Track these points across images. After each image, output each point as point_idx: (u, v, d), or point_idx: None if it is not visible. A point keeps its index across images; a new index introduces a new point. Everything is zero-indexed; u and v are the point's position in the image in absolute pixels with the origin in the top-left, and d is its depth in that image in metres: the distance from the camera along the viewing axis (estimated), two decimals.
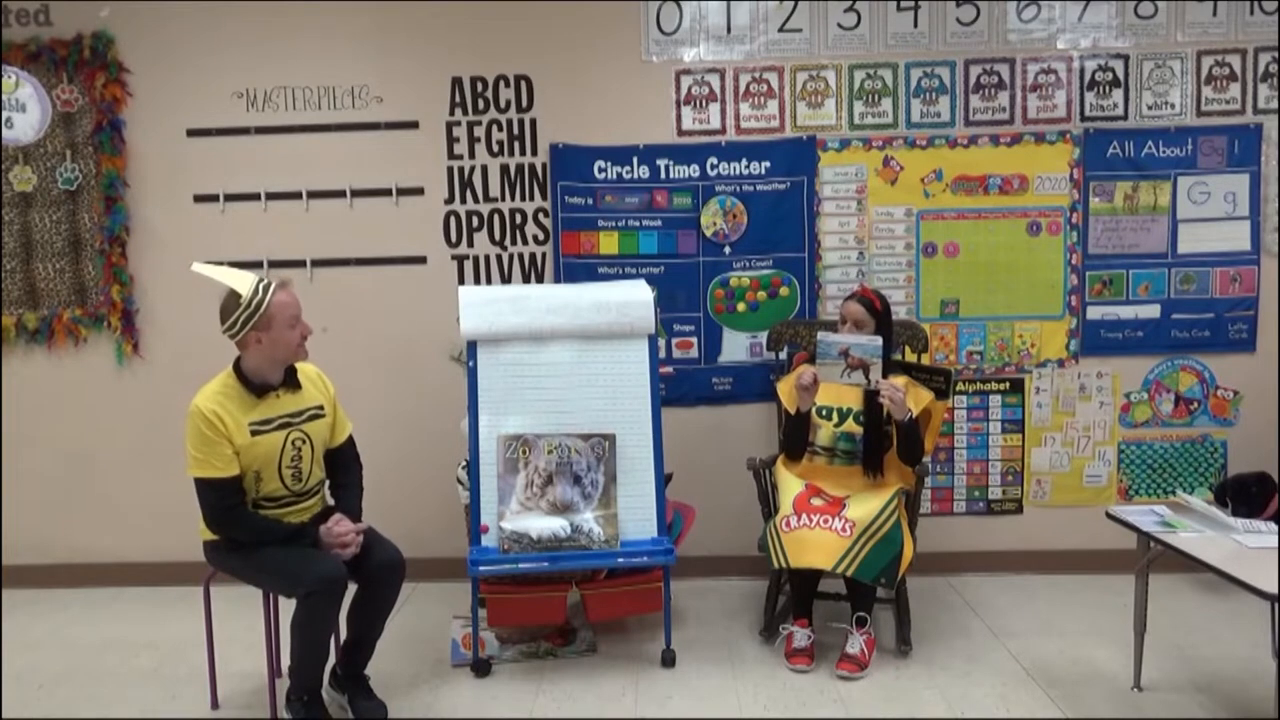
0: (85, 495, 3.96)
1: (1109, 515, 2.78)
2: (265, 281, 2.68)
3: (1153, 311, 3.77)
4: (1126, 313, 3.77)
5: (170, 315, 3.89)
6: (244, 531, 2.63)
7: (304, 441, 2.73)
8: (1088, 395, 3.82)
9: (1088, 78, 3.71)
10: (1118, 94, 3.71)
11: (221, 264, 3.81)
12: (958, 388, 3.81)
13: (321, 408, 2.81)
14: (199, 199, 3.84)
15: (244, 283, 2.66)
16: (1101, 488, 3.84)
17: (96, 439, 3.93)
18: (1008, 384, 3.82)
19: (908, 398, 3.04)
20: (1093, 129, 3.72)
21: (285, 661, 2.70)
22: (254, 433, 2.63)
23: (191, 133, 3.82)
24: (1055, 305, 3.78)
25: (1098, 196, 3.74)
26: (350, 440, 2.91)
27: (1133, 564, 2.76)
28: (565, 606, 3.15)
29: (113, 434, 3.93)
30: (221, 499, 2.59)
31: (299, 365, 2.79)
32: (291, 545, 2.62)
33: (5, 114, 3.26)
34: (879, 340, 3.02)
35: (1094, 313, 3.78)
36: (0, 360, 3.91)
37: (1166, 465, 3.83)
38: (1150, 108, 3.71)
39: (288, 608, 2.61)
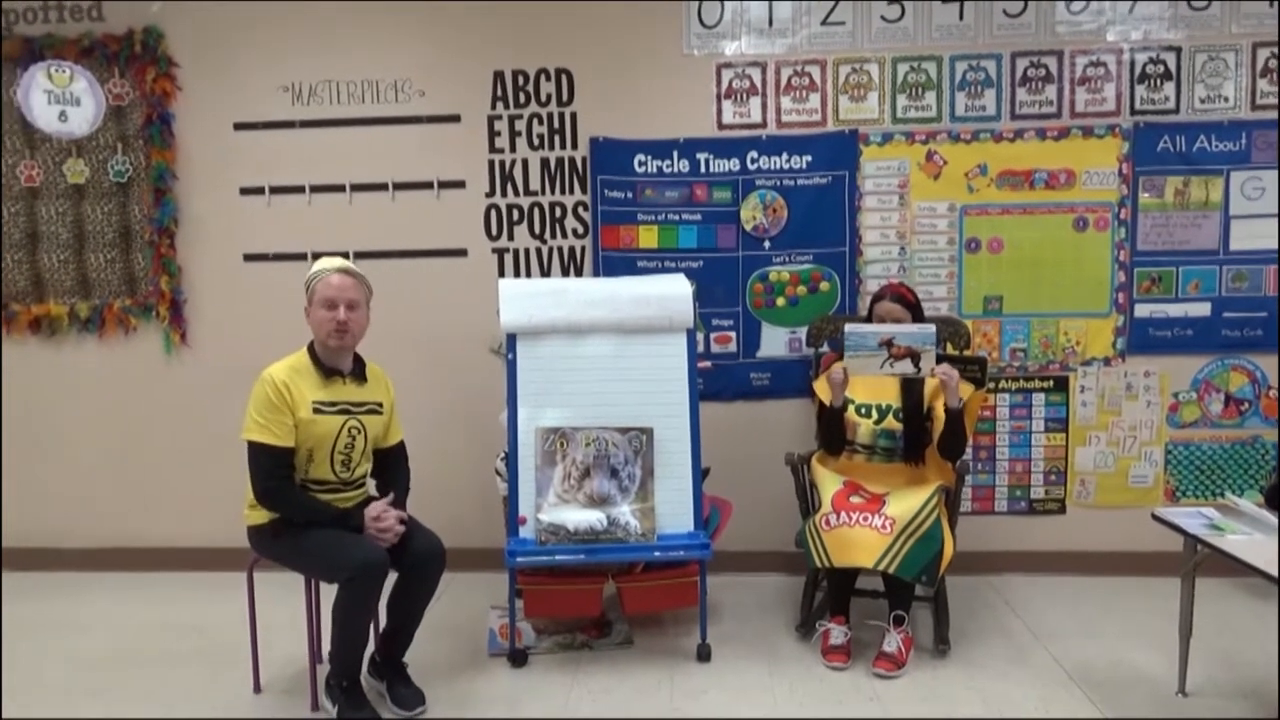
0: (133, 481, 4.05)
1: (1155, 517, 2.73)
2: (337, 264, 2.78)
3: (1203, 309, 3.69)
4: (1176, 310, 3.70)
5: (216, 306, 3.96)
6: (290, 506, 2.68)
7: (359, 432, 2.78)
8: (1134, 394, 3.75)
9: (1138, 70, 3.64)
10: (1169, 87, 3.64)
11: (266, 256, 3.92)
12: (1000, 385, 3.76)
13: (381, 405, 2.86)
14: (245, 191, 3.90)
15: (321, 261, 2.81)
16: (1147, 489, 3.77)
17: (145, 426, 4.02)
18: (1052, 382, 3.77)
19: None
20: (1143, 123, 3.65)
21: (326, 648, 2.74)
22: (316, 410, 2.69)
23: (238, 126, 3.88)
24: (1102, 302, 3.71)
25: (1147, 192, 3.67)
26: (402, 445, 2.96)
27: (1179, 567, 2.71)
28: (601, 599, 3.16)
29: (160, 421, 4.01)
30: (274, 467, 2.65)
31: (368, 362, 2.87)
32: (335, 529, 2.66)
33: (60, 108, 3.35)
34: (932, 328, 2.99)
35: (1142, 310, 3.71)
36: (1, 350, 4.01)
37: (1215, 467, 3.75)
38: (1203, 101, 3.63)
39: (329, 595, 2.65)
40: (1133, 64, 3.64)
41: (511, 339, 3.13)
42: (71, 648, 3.27)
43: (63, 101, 3.40)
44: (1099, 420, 3.77)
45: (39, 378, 4.03)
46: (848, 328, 3.05)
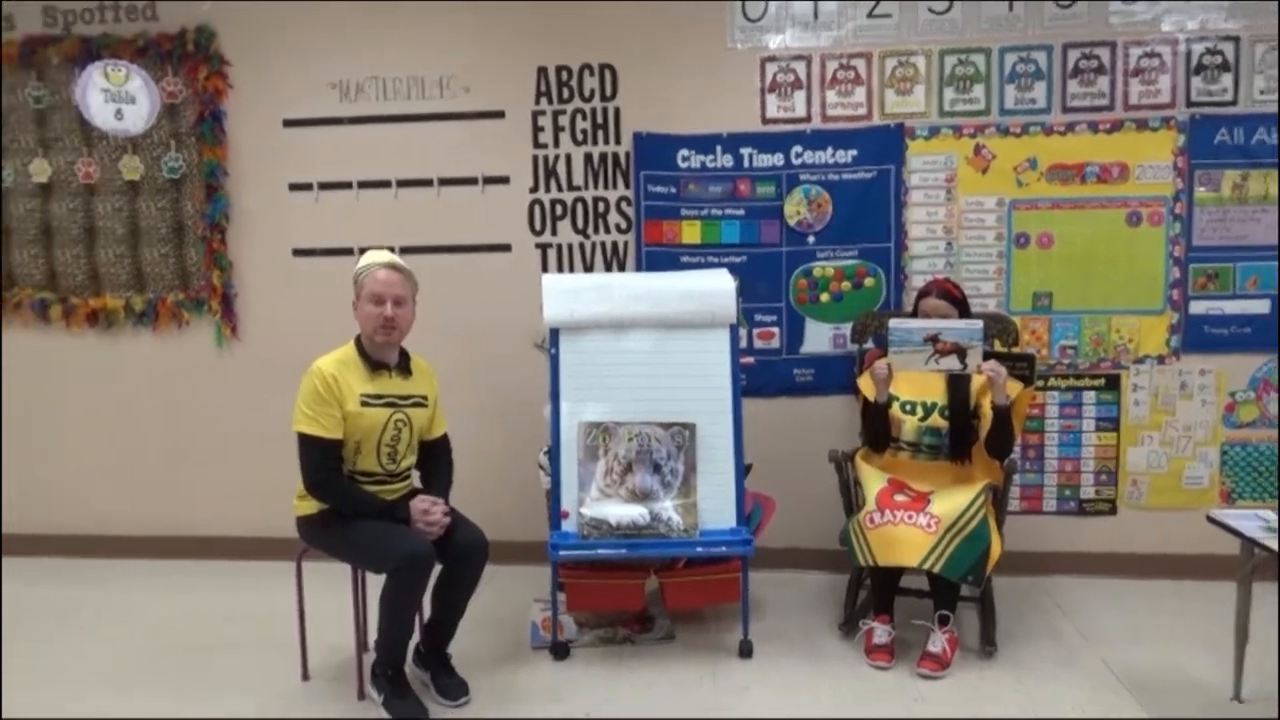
0: (185, 471, 4.13)
1: (1210, 519, 2.67)
2: (385, 258, 2.81)
3: (1261, 307, 3.59)
4: (1233, 308, 3.61)
5: (266, 300, 4.03)
6: (339, 497, 2.73)
7: (405, 424, 2.82)
8: (1189, 393, 3.67)
9: (1194, 61, 3.55)
10: (1226, 78, 3.55)
11: (314, 251, 3.97)
12: (1050, 383, 3.70)
13: (426, 398, 2.91)
14: (294, 187, 3.96)
15: (369, 255, 2.84)
16: (1202, 490, 3.69)
17: (197, 418, 4.10)
18: (1103, 380, 3.70)
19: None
20: (1199, 115, 3.56)
21: (372, 637, 2.79)
22: (363, 403, 2.74)
23: (287, 123, 3.94)
24: (1155, 299, 3.64)
25: (1203, 186, 3.58)
26: (445, 438, 3.00)
27: (1234, 570, 2.65)
28: (643, 593, 3.17)
29: (212, 413, 4.09)
30: (323, 459, 2.70)
31: (413, 356, 2.91)
32: (382, 520, 2.70)
33: (116, 106, 3.43)
34: (979, 323, 2.96)
35: (1197, 307, 3.62)
36: (2, 340, 4.12)
37: (1273, 468, 3.66)
38: (1262, 93, 3.54)
39: (375, 586, 2.69)
40: (1189, 55, 3.55)
41: (554, 333, 3.14)
42: (123, 634, 3.35)
43: (119, 100, 3.48)
44: (1152, 420, 3.69)
45: (96, 369, 4.13)
46: (892, 323, 3.03)
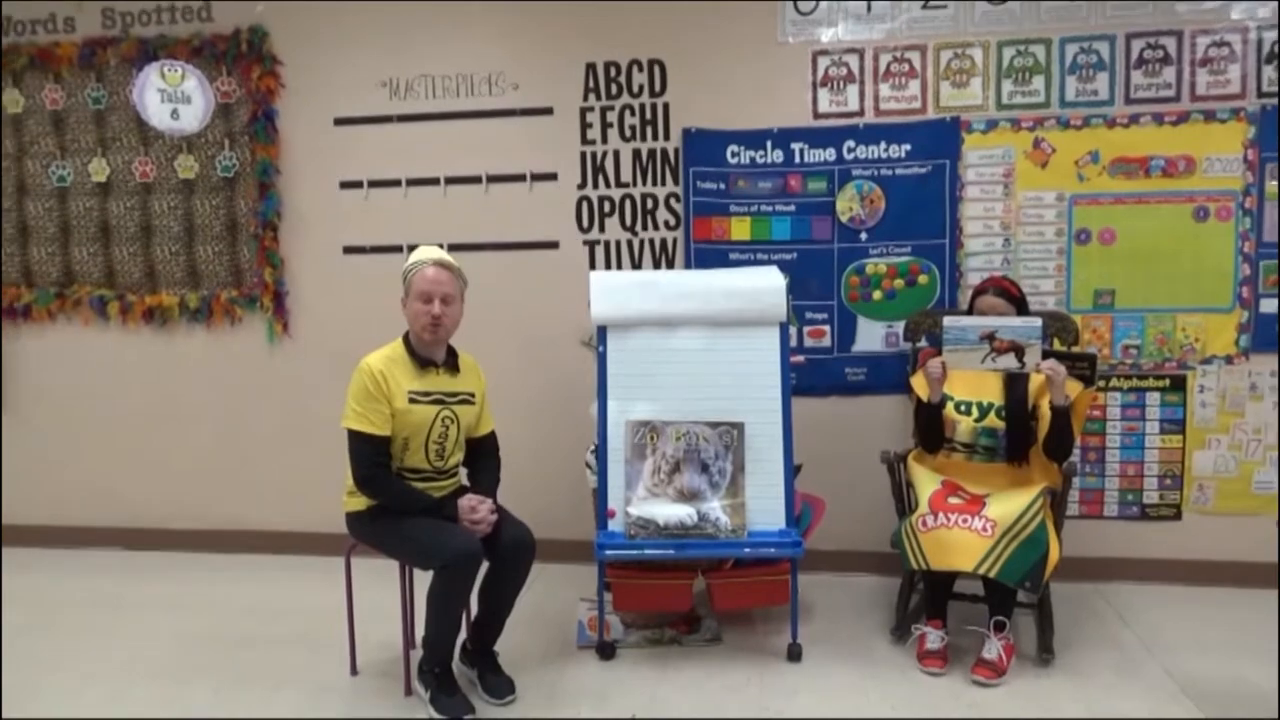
0: (238, 466, 4.20)
1: None
2: (434, 256, 2.83)
3: None
4: None
5: (317, 297, 4.08)
6: (388, 493, 2.75)
7: (452, 421, 2.84)
8: (1259, 395, 3.54)
9: (1266, 50, 3.43)
10: None
11: (364, 248, 4.01)
12: (1111, 383, 3.61)
13: (473, 395, 2.92)
14: (345, 185, 4.01)
15: (419, 252, 2.85)
16: (1272, 496, 3.56)
17: (249, 413, 4.17)
18: (1168, 381, 3.59)
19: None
20: (1271, 106, 3.44)
21: (419, 634, 2.80)
22: (411, 400, 2.76)
23: (338, 121, 3.98)
24: (1224, 297, 3.52)
25: (1276, 179, 3.46)
26: (492, 435, 3.02)
27: None
28: (691, 594, 3.15)
29: (263, 409, 4.15)
30: (372, 455, 2.73)
31: (461, 353, 2.92)
32: (430, 517, 2.72)
33: (173, 105, 3.49)
34: (1038, 321, 2.90)
35: (1268, 305, 3.50)
36: (4, 339, 4.20)
37: None
38: None
39: (423, 583, 2.70)
40: (1260, 43, 3.43)
41: (602, 331, 3.13)
42: (174, 627, 3.41)
43: (175, 100, 3.55)
44: (1220, 422, 3.57)
45: (151, 365, 4.21)
46: (947, 320, 2.98)
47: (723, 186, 3.75)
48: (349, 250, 4.03)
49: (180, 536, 4.24)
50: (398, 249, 3.91)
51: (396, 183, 3.96)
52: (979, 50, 3.57)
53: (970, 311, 3.14)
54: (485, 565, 2.76)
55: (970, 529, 2.80)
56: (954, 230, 3.65)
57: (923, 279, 3.68)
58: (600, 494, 3.07)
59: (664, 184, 3.81)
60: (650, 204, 3.83)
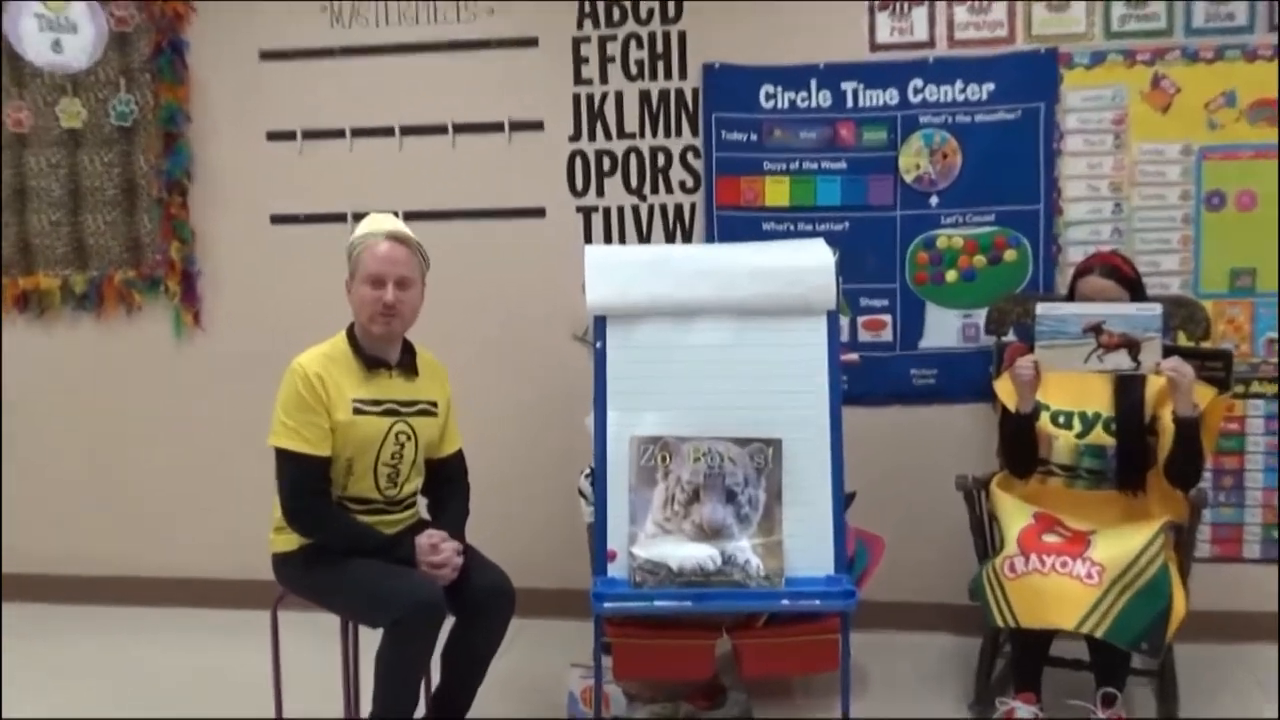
0: (137, 495, 4.23)
1: None
2: (387, 228, 2.85)
3: None
4: None
5: (237, 280, 4.12)
6: (327, 527, 2.77)
7: (409, 438, 2.86)
8: None
9: None
10: None
11: (298, 217, 4.03)
12: (1252, 388, 3.63)
13: (435, 405, 2.94)
14: (273, 136, 4.04)
15: (368, 223, 2.88)
16: None
17: (149, 427, 4.20)
18: None
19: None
20: None
21: (366, 708, 2.82)
22: (357, 411, 2.78)
23: (265, 55, 4.01)
24: None
25: None
26: (459, 456, 3.05)
27: None
28: (713, 658, 3.16)
29: (168, 421, 4.19)
30: (306, 480, 2.74)
31: (420, 351, 2.95)
32: (380, 559, 2.73)
33: (54, 36, 3.51)
34: (1157, 308, 2.90)
35: None
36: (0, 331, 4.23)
37: None
38: None
39: (371, 643, 2.71)
40: None
41: (600, 322, 3.14)
42: (67, 695, 3.42)
43: (57, 28, 3.58)
44: None
45: (27, 365, 4.24)
46: (1041, 309, 2.98)
47: (754, 138, 3.78)
48: (278, 220, 4.07)
49: (56, 585, 4.26)
50: (341, 218, 3.95)
51: (339, 133, 4.00)
52: None
53: (1071, 297, 3.14)
54: (450, 620, 2.78)
55: (1071, 575, 2.80)
56: (1050, 193, 3.67)
57: (1010, 255, 3.70)
58: (598, 530, 3.09)
59: (679, 135, 3.84)
60: (662, 160, 3.86)
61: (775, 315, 3.12)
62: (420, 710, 2.90)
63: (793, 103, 3.75)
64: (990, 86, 3.67)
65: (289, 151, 4.03)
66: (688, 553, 2.98)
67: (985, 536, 3.23)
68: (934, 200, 3.72)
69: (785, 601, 2.98)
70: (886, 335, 3.79)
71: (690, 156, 3.84)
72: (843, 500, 3.08)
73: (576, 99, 3.88)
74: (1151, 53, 3.59)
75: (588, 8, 3.84)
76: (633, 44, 3.83)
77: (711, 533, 3.02)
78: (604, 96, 3.86)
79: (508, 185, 3.93)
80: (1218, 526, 3.68)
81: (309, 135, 4.01)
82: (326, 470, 2.77)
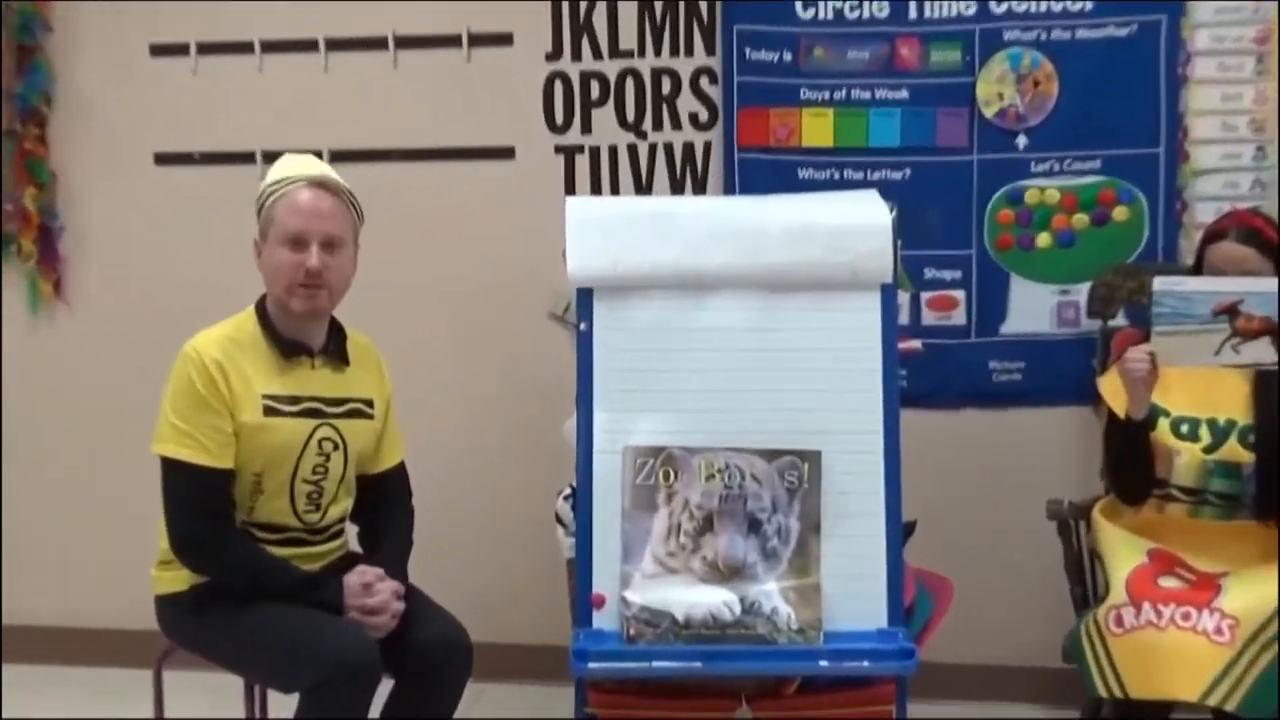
0: None
1: None
2: (310, 172, 2.82)
3: None
4: None
5: (111, 238, 4.11)
6: (227, 561, 2.75)
7: (336, 446, 2.84)
8: None
9: None
10: None
11: (191, 157, 4.02)
12: None
13: (370, 404, 2.93)
14: (159, 51, 4.02)
15: (284, 165, 2.85)
16: None
17: None
18: None
19: None
20: None
21: None
22: (268, 411, 2.76)
23: None
24: None
25: None
26: (401, 470, 3.04)
27: None
28: None
29: (18, 423, 4.18)
30: (201, 498, 2.71)
31: (351, 334, 2.94)
32: (297, 602, 2.71)
33: None
34: None
35: None
36: None
37: None
38: None
39: (284, 708, 2.71)
40: None
41: (585, 297, 3.13)
42: None
43: None
44: None
45: None
46: (1159, 284, 2.96)
47: (788, 58, 3.77)
48: (165, 160, 4.06)
49: None
50: (248, 159, 3.94)
51: (245, 47, 3.98)
52: None
53: (1198, 269, 3.14)
54: (387, 683, 2.77)
55: (1196, 631, 2.80)
56: (1173, 133, 3.67)
57: (1120, 214, 3.70)
58: (580, 567, 3.08)
59: (690, 54, 3.83)
60: (668, 86, 3.86)
61: (814, 290, 3.12)
62: None
63: (839, 12, 3.75)
64: None
65: (180, 71, 4.02)
66: (697, 598, 2.98)
67: (1085, 580, 3.24)
68: (1022, 141, 3.73)
69: (824, 662, 2.97)
70: (958, 317, 3.80)
71: (704, 81, 3.84)
72: (900, 532, 3.08)
73: (556, 6, 3.87)
74: None
75: None
76: None
77: (729, 572, 3.02)
78: (592, 2, 3.86)
79: (466, 118, 3.93)
80: None
81: (206, 50, 4.00)
82: (228, 487, 2.75)
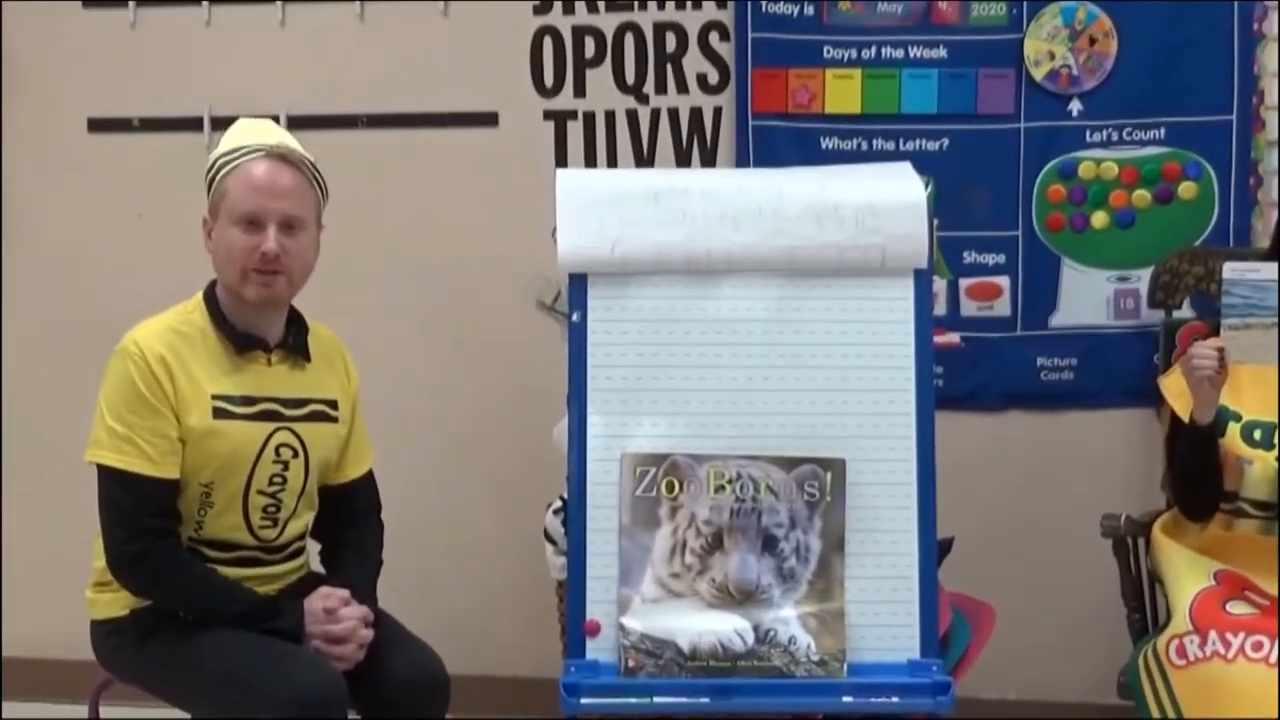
0: None
1: None
2: (266, 140, 2.82)
3: None
4: None
5: (40, 214, 4.13)
6: (172, 583, 2.75)
7: (295, 453, 2.86)
8: None
9: None
10: None
11: (130, 123, 4.03)
12: None
13: (335, 405, 2.94)
14: (92, 1, 4.03)
15: (238, 133, 2.85)
16: None
17: None
18: None
19: None
20: None
21: None
22: (219, 412, 2.76)
23: None
24: None
25: None
26: (369, 481, 3.05)
27: None
28: None
29: None
30: (143, 512, 2.71)
31: (314, 325, 2.95)
32: (251, 629, 2.72)
33: None
34: None
35: None
36: None
37: None
38: None
39: None
40: None
41: (579, 284, 3.15)
42: None
43: None
44: None
45: None
46: (1230, 271, 2.98)
47: (810, 11, 3.79)
48: (100, 126, 4.09)
49: None
50: (195, 124, 3.97)
51: None
52: None
53: (1275, 254, 3.15)
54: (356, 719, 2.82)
55: (1268, 663, 2.81)
56: (1246, 99, 3.69)
57: (1186, 190, 3.73)
58: (573, 590, 3.11)
59: (698, 5, 3.86)
60: (673, 43, 3.88)
61: (838, 276, 3.13)
62: None
63: None
64: None
65: (116, 24, 4.04)
66: (705, 625, 3.00)
67: (1144, 605, 3.26)
68: (1075, 107, 3.75)
69: (848, 698, 2.99)
70: (1002, 307, 3.82)
71: (715, 38, 3.87)
72: (934, 551, 3.10)
73: None
74: None
75: None
76: None
77: (740, 596, 3.04)
78: None
79: (443, 78, 3.96)
80: None
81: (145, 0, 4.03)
82: (173, 499, 2.76)
